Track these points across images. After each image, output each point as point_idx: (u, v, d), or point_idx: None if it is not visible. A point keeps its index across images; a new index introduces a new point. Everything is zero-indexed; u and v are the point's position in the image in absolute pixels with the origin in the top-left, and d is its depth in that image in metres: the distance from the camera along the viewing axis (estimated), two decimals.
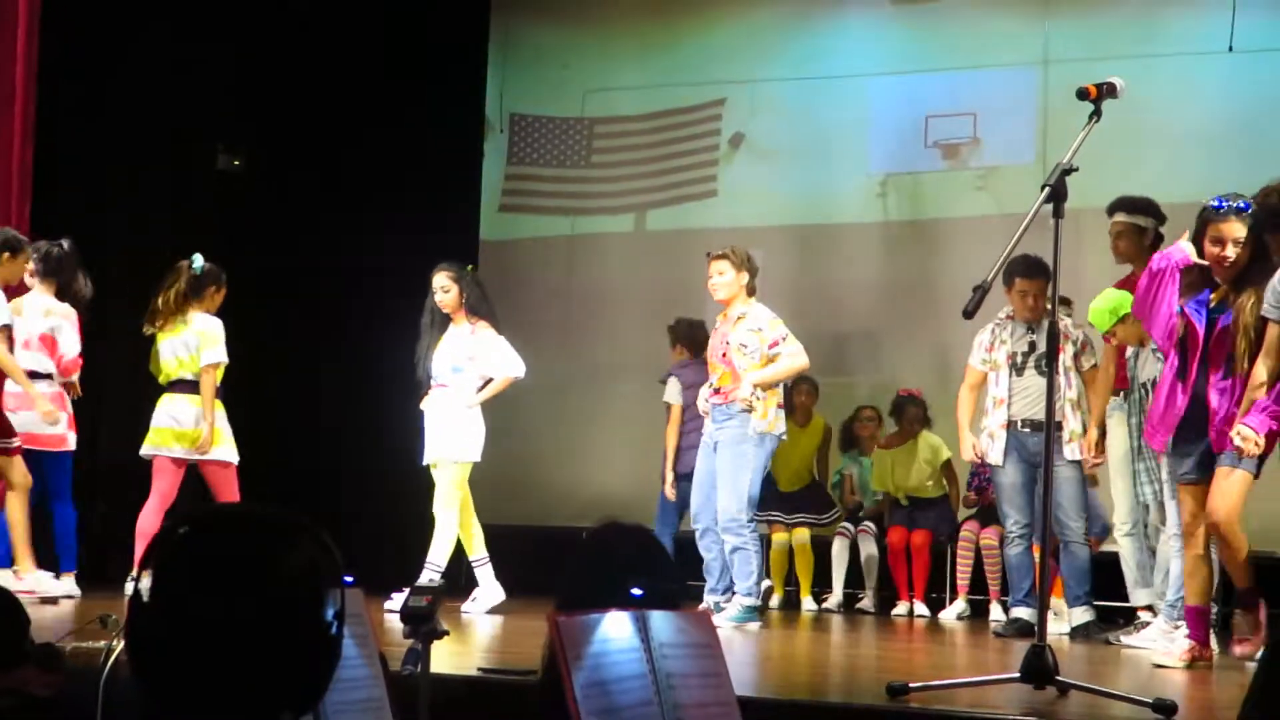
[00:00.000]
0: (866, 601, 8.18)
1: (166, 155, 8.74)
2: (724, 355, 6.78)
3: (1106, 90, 4.25)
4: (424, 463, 7.13)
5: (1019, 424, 6.72)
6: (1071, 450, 6.58)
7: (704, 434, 6.91)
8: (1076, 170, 4.09)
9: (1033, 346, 6.73)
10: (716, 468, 6.73)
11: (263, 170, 9.24)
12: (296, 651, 1.64)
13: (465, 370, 7.05)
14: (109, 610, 3.41)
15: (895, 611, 8.01)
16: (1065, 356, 6.60)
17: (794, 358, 6.77)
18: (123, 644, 1.86)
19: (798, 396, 8.47)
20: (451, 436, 7.03)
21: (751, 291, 6.86)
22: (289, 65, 9.16)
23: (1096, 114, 4.24)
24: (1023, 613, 6.67)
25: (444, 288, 7.08)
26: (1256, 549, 7.69)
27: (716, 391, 6.78)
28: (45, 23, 7.48)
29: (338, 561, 1.72)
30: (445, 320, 7.14)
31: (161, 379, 7.07)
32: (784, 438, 6.92)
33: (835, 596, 8.25)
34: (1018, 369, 6.76)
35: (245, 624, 1.60)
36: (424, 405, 7.16)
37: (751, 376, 6.64)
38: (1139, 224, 6.45)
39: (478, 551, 7.14)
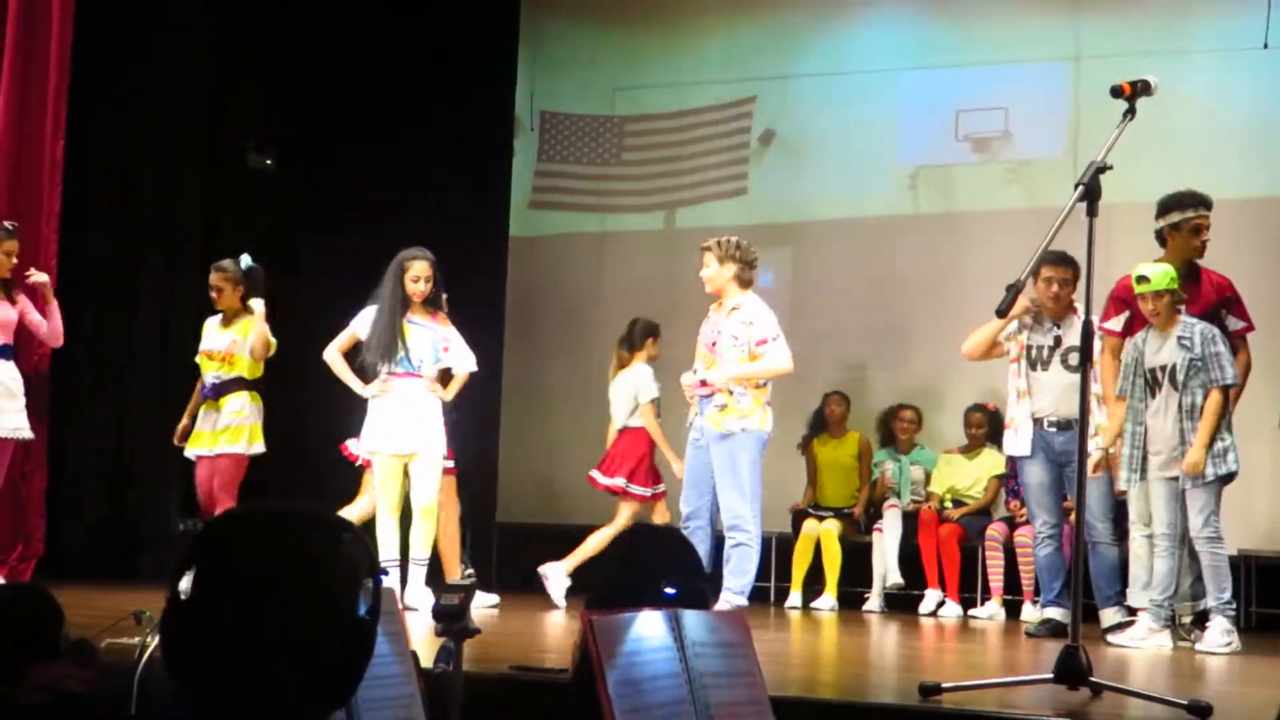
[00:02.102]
0: (873, 601, 8.11)
1: (198, 153, 8.78)
2: (713, 345, 6.73)
3: (1141, 88, 4.19)
4: (390, 452, 6.73)
5: (1045, 423, 6.66)
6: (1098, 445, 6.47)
7: (691, 428, 6.79)
8: (1110, 168, 4.05)
9: (1058, 341, 6.68)
10: (715, 464, 6.63)
11: (293, 169, 9.27)
12: (333, 648, 1.64)
13: (441, 361, 6.86)
14: (142, 607, 3.43)
15: (924, 603, 7.95)
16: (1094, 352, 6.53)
17: (776, 359, 6.67)
18: (157, 640, 1.86)
19: (829, 408, 8.54)
20: (433, 429, 6.77)
21: (745, 284, 6.79)
22: (318, 64, 9.18)
23: (1131, 112, 4.17)
24: (1055, 613, 6.60)
25: (427, 276, 6.73)
26: (1262, 549, 7.70)
27: (704, 383, 6.71)
28: (77, 21, 7.51)
29: (374, 557, 1.74)
30: (405, 307, 6.77)
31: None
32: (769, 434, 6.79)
33: (875, 597, 8.12)
34: (1042, 363, 6.71)
35: (289, 622, 1.60)
36: (384, 392, 6.73)
37: (730, 369, 6.61)
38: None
39: (420, 553, 6.76)
